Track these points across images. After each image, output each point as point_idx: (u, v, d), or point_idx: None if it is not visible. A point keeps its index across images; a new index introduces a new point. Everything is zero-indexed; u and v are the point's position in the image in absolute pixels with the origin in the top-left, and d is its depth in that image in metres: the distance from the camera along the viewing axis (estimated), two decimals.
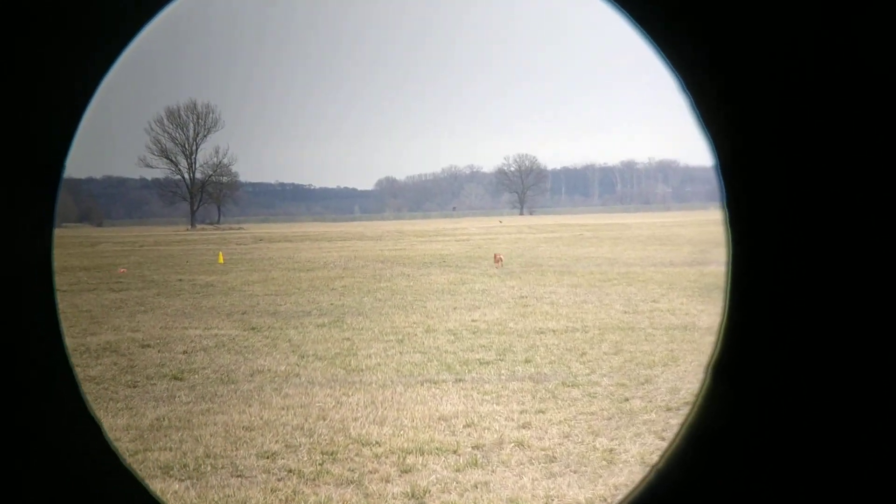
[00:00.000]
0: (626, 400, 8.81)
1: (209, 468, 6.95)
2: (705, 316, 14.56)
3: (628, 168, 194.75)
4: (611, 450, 7.16)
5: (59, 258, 37.19)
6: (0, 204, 2.41)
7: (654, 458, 6.84)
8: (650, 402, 8.71)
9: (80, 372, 10.97)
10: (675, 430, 7.12)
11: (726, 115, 2.31)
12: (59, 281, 24.66)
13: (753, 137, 2.23)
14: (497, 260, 28.51)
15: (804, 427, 2.14)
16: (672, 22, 2.34)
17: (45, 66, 2.47)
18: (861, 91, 1.96)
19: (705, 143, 2.40)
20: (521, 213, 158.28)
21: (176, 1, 2.61)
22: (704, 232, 45.97)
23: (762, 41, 2.10)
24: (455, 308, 16.81)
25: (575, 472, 6.69)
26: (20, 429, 2.44)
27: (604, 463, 6.85)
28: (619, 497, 5.36)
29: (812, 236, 2.11)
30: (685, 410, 8.22)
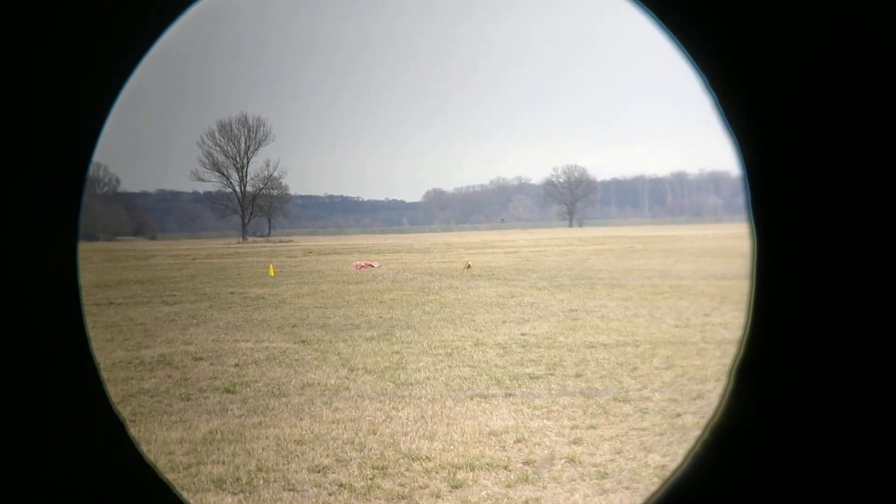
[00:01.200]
0: (679, 415, 8.70)
1: (261, 482, 7.01)
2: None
3: (679, 179, 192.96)
4: (663, 466, 7.07)
5: (114, 271, 37.91)
6: (25, 206, 2.44)
7: None
8: (703, 417, 8.58)
9: (134, 385, 11.15)
10: (699, 430, 7.03)
11: (750, 116, 2.29)
12: (114, 294, 25.13)
13: (777, 139, 2.22)
14: (466, 266, 29.66)
15: (827, 428, 2.12)
16: (695, 21, 2.34)
17: (69, 70, 2.49)
18: (889, 94, 1.93)
19: (729, 144, 2.38)
20: (571, 225, 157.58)
21: (198, 3, 2.62)
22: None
23: (786, 40, 2.09)
24: (504, 321, 16.77)
25: (627, 488, 6.62)
26: (46, 429, 2.47)
27: (656, 479, 6.76)
28: (644, 497, 5.29)
29: (836, 238, 2.09)
30: None
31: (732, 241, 49.97)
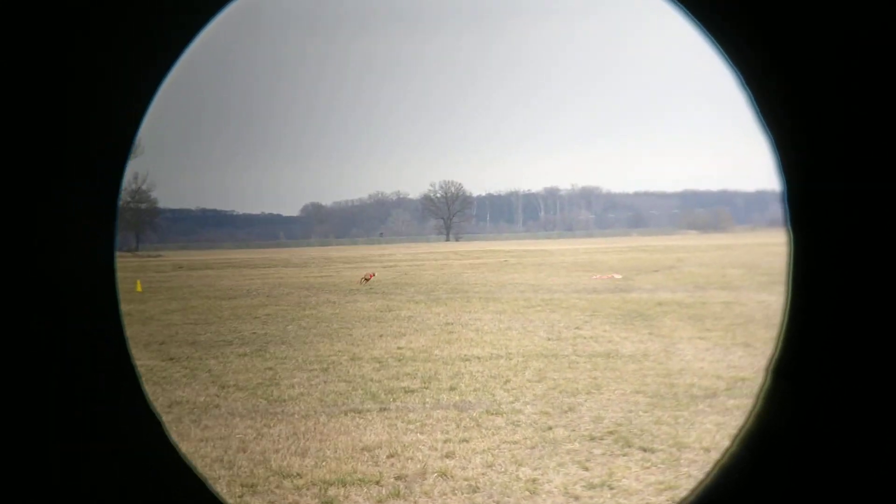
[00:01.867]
0: (550, 429, 8.84)
1: None
2: (628, 343, 14.75)
3: (551, 195, 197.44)
4: (534, 480, 7.16)
5: None
6: (64, 212, 2.46)
7: (578, 488, 6.87)
8: (573, 430, 8.75)
9: None
10: (736, 429, 7.16)
11: (785, 113, 2.29)
12: None
13: (813, 137, 2.20)
14: (366, 279, 30.93)
15: (863, 428, 2.12)
16: (731, 20, 2.34)
17: (105, 73, 2.48)
18: None
19: (766, 142, 2.36)
20: (448, 240, 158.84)
21: (233, 3, 2.63)
22: (627, 258, 46.77)
23: (822, 38, 2.09)
24: (381, 335, 16.71)
25: (498, 502, 6.67)
26: (85, 427, 2.51)
27: (527, 493, 6.84)
28: (683, 494, 5.33)
29: (873, 239, 2.09)
30: (609, 440, 8.29)
31: (603, 256, 51.45)
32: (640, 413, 9.36)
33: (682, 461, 7.48)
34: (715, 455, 7.52)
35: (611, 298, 23.40)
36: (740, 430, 2.50)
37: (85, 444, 2.51)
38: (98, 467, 2.54)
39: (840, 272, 2.20)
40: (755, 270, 32.26)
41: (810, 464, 2.22)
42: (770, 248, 50.27)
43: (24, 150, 2.29)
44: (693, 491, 2.66)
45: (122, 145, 2.71)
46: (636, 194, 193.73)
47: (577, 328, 17.13)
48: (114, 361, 2.76)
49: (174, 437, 8.52)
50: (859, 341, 2.14)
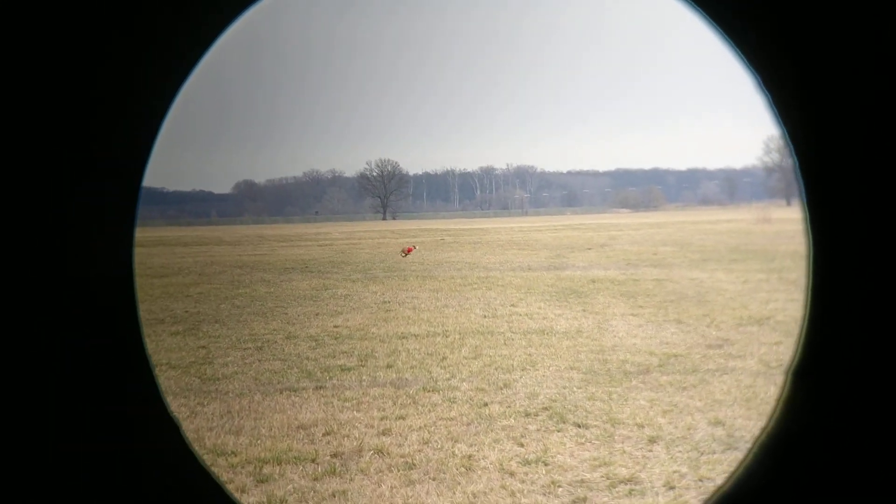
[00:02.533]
0: (486, 405, 8.89)
1: None
2: (562, 320, 14.91)
3: (487, 174, 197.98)
4: (469, 456, 7.20)
5: None
6: (85, 212, 2.47)
7: (513, 464, 6.93)
8: (509, 407, 8.82)
9: None
10: (756, 433, 7.23)
11: (803, 115, 2.27)
12: None
13: (832, 139, 2.18)
14: (406, 252, 30.95)
15: (886, 432, 2.10)
16: (748, 20, 2.31)
17: (127, 71, 2.48)
18: None
19: (783, 143, 2.33)
20: (384, 218, 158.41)
21: (259, 3, 2.64)
22: (561, 237, 47.22)
23: (841, 39, 2.06)
24: (317, 314, 16.60)
25: (434, 479, 6.68)
26: (100, 428, 2.51)
27: (462, 470, 6.87)
28: (704, 497, 5.34)
29: (893, 239, 2.07)
30: (543, 416, 8.37)
31: (538, 234, 51.86)
32: (575, 389, 9.47)
33: (616, 437, 7.60)
34: (649, 431, 7.66)
35: (545, 276, 23.61)
36: (760, 433, 2.48)
37: (105, 448, 2.53)
38: (117, 470, 2.56)
39: (860, 273, 2.20)
40: (686, 248, 32.87)
41: (831, 468, 2.21)
42: (701, 226, 51.30)
43: (49, 150, 2.30)
44: (712, 495, 2.65)
45: (144, 144, 2.72)
46: (570, 173, 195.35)
47: (512, 305, 17.25)
48: (133, 366, 2.78)
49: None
50: (881, 344, 2.13)
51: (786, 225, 44.57)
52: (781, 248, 29.73)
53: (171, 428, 2.90)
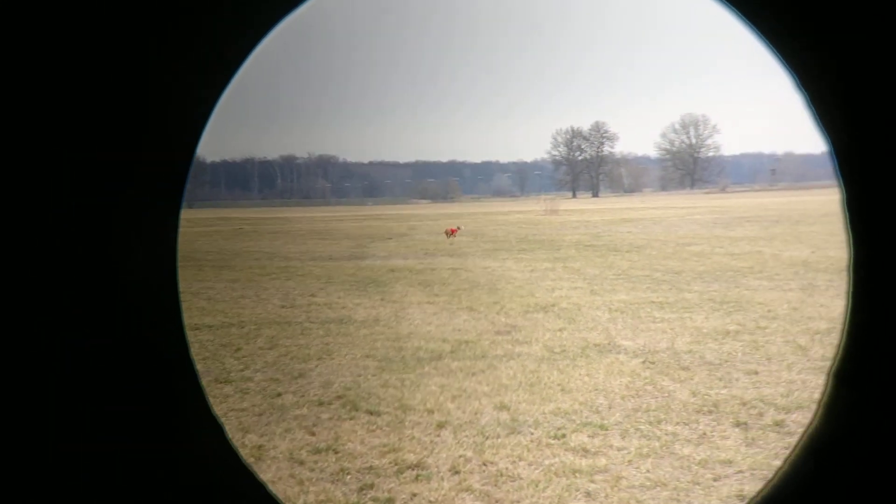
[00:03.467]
0: (279, 395, 8.85)
1: None
2: (361, 309, 15.03)
3: (288, 163, 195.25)
4: (260, 446, 7.16)
5: None
6: (131, 219, 2.49)
7: (304, 453, 6.96)
8: (302, 396, 8.83)
9: None
10: (797, 436, 7.24)
11: (842, 115, 2.22)
12: None
13: (870, 134, 2.14)
14: (452, 232, 31.86)
15: None
16: (786, 20, 2.28)
17: (175, 72, 2.50)
18: None
19: (822, 141, 2.27)
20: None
21: (306, 3, 2.66)
22: (362, 227, 47.47)
23: (878, 38, 2.03)
24: None
25: None
26: (146, 429, 2.54)
27: (252, 460, 6.83)
28: (746, 500, 5.24)
29: None
30: (336, 405, 8.44)
31: (339, 224, 51.87)
32: (369, 377, 9.60)
33: (406, 423, 7.78)
34: (438, 416, 7.89)
35: (346, 266, 23.70)
36: (802, 436, 2.44)
37: (151, 448, 2.56)
38: (163, 470, 2.60)
39: None
40: (480, 238, 33.95)
41: (873, 470, 2.17)
42: (494, 217, 53.12)
43: (100, 153, 2.30)
44: (756, 495, 2.63)
45: (189, 144, 2.74)
46: (371, 164, 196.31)
47: (311, 295, 17.20)
48: (177, 367, 2.82)
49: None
50: None
51: (571, 216, 46.98)
52: (567, 239, 31.33)
53: (214, 428, 2.96)
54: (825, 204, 51.73)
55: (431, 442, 7.20)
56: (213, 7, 2.48)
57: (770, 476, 2.61)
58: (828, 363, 9.35)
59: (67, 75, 2.17)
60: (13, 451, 2.19)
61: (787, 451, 2.70)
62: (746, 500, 2.80)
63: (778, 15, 2.32)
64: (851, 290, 2.29)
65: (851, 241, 2.27)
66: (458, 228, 34.85)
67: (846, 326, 2.32)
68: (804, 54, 2.30)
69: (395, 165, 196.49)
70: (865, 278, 2.26)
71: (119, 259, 2.48)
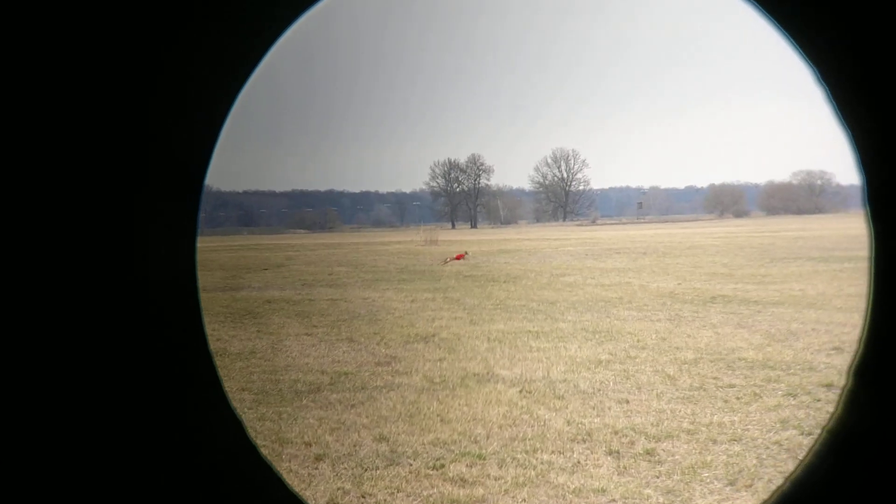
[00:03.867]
0: None
1: None
2: (236, 341, 14.74)
3: None
4: None
5: None
6: (148, 215, 2.51)
7: None
8: None
9: None
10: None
11: (864, 109, 2.19)
12: None
13: (891, 127, 2.10)
14: (458, 258, 31.69)
15: None
16: (807, 13, 2.25)
17: (187, 80, 2.52)
18: None
19: (844, 137, 2.23)
20: None
21: (317, 4, 2.66)
22: (237, 257, 46.57)
23: None
24: None
25: None
26: (166, 426, 2.57)
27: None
28: (763, 497, 5.12)
29: None
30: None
31: (212, 254, 50.73)
32: (245, 410, 9.42)
33: (283, 456, 7.68)
34: (316, 449, 7.82)
35: (221, 297, 23.18)
36: (821, 432, 2.43)
37: (171, 445, 2.58)
38: (183, 466, 2.62)
39: None
40: (360, 268, 33.83)
41: (893, 466, 2.14)
42: (374, 247, 53.06)
43: (116, 157, 2.30)
44: (773, 493, 2.60)
45: (203, 152, 2.73)
46: (245, 193, 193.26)
47: None
48: (196, 364, 2.82)
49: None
50: None
51: (450, 246, 47.38)
52: (446, 269, 31.60)
53: (235, 426, 2.98)
54: (689, 236, 54.09)
55: (309, 475, 7.12)
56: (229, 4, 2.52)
57: (792, 469, 2.61)
58: (696, 393, 9.75)
59: (86, 73, 2.18)
60: (32, 449, 2.18)
61: (806, 450, 2.77)
62: (770, 493, 2.80)
63: (798, 7, 2.32)
64: (872, 284, 2.27)
65: (872, 236, 2.25)
66: (466, 254, 34.67)
67: (866, 322, 2.29)
68: (824, 47, 2.28)
69: (272, 195, 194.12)
70: (887, 274, 2.24)
71: (136, 259, 2.51)
